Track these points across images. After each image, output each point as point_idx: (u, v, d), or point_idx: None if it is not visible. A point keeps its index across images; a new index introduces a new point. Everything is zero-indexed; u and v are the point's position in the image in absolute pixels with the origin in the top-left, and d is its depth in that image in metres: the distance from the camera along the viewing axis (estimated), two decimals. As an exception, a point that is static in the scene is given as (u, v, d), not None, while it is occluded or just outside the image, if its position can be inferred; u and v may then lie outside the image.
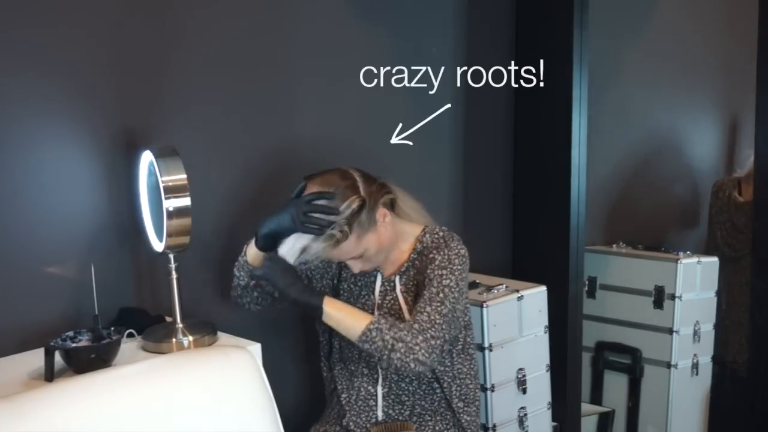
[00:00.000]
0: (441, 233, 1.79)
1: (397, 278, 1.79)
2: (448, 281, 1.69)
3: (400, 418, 1.81)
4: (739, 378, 2.84)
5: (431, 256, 1.74)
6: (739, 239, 3.10)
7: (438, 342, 1.63)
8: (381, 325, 1.62)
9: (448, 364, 1.82)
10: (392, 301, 1.79)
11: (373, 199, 1.69)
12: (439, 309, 1.65)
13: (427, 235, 1.79)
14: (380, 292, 1.80)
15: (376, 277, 1.81)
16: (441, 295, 1.67)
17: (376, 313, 1.78)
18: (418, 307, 1.67)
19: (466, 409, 1.85)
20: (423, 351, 1.61)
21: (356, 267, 1.75)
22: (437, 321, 1.64)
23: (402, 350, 1.60)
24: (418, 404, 1.81)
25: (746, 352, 2.77)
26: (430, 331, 1.62)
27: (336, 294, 1.84)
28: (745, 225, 3.05)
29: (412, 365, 1.60)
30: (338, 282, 1.86)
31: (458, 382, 1.84)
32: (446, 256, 1.72)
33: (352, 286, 1.84)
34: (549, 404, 2.43)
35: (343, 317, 1.65)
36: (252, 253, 1.72)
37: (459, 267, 1.72)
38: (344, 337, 1.76)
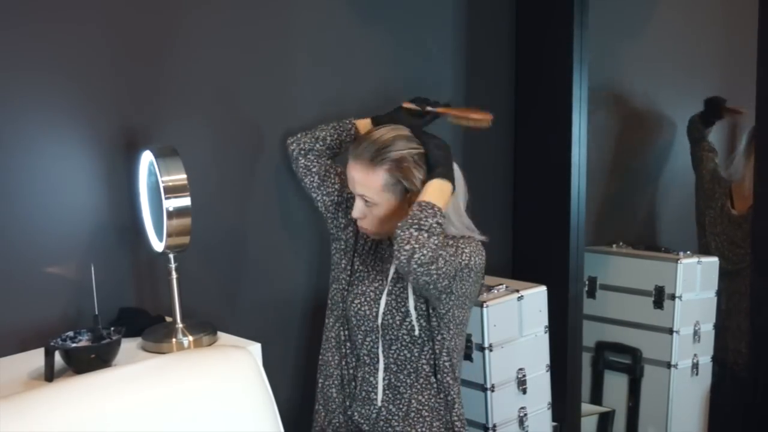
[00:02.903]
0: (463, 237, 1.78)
1: None
2: (465, 248, 1.70)
3: (399, 413, 1.81)
4: (739, 378, 2.84)
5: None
6: (737, 253, 3.03)
7: (441, 271, 1.62)
8: (440, 217, 1.63)
9: (461, 346, 1.84)
10: (401, 290, 1.78)
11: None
12: (453, 258, 1.66)
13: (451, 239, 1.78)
14: (392, 278, 1.80)
15: (391, 264, 1.81)
16: (457, 250, 1.68)
17: (383, 299, 1.79)
18: None
19: (460, 394, 1.86)
20: (439, 264, 1.61)
21: (358, 212, 1.79)
22: (449, 261, 1.64)
23: (414, 237, 1.58)
24: (415, 398, 1.81)
25: (746, 352, 2.77)
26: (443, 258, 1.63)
27: (351, 264, 1.87)
28: (743, 239, 2.99)
29: (401, 254, 1.59)
30: (354, 254, 1.89)
31: (458, 381, 1.85)
32: (467, 241, 1.74)
33: (369, 268, 1.86)
34: (549, 404, 2.43)
35: (442, 193, 1.68)
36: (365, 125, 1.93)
37: (476, 250, 1.73)
38: (350, 321, 1.82)
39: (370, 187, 1.74)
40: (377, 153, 1.73)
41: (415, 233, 1.59)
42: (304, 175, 1.94)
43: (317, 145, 1.92)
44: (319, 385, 1.93)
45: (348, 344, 1.87)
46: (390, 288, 1.79)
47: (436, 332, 1.78)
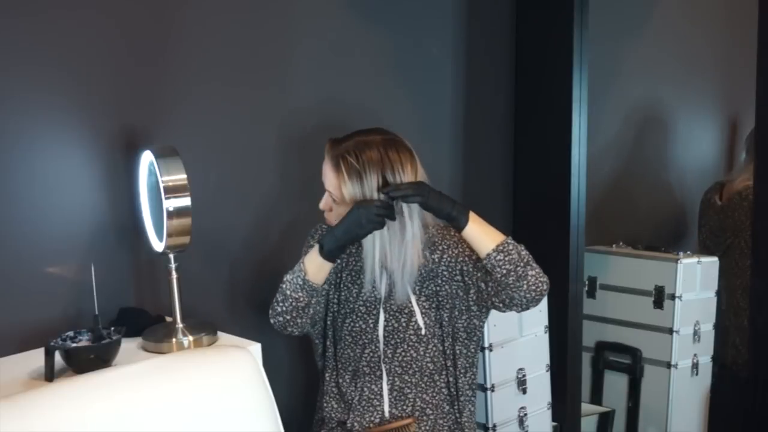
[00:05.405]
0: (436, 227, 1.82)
1: None
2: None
3: (403, 414, 1.81)
4: (739, 378, 2.84)
5: (445, 238, 1.80)
6: (715, 242, 3.07)
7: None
8: (514, 242, 1.70)
9: (473, 350, 1.84)
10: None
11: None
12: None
13: (432, 228, 1.81)
14: (387, 284, 1.79)
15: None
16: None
17: (381, 308, 1.79)
18: None
19: (472, 398, 1.86)
20: (547, 282, 1.70)
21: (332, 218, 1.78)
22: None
23: (537, 270, 1.69)
24: (419, 397, 1.81)
25: (744, 351, 2.77)
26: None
27: (338, 282, 1.83)
28: (720, 228, 3.04)
29: (544, 286, 1.69)
30: (341, 272, 1.84)
31: (472, 371, 1.85)
32: (449, 237, 1.80)
33: (350, 286, 1.82)
34: (549, 404, 2.43)
35: (485, 228, 1.71)
36: (316, 268, 1.69)
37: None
38: (344, 341, 1.79)
39: (334, 185, 1.74)
40: (337, 157, 1.73)
41: (533, 272, 1.68)
42: (311, 326, 1.81)
43: (300, 314, 1.73)
44: (320, 403, 1.91)
45: (340, 363, 1.84)
46: (386, 295, 1.79)
47: (448, 334, 1.80)
